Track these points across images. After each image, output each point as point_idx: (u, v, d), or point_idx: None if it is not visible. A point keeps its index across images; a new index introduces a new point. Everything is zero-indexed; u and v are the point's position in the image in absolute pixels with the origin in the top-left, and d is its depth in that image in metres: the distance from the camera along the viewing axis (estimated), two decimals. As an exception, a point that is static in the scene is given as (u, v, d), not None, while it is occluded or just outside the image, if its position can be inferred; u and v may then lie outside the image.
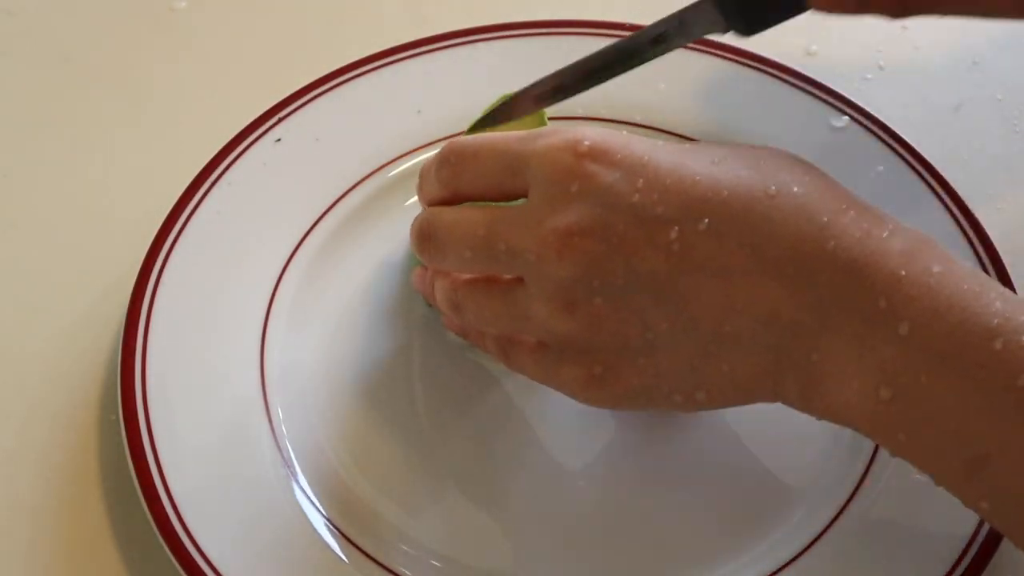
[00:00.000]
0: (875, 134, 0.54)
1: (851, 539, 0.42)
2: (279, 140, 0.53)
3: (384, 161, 0.53)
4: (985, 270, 0.48)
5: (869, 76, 0.61)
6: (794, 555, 0.42)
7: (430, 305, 0.50)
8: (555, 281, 0.37)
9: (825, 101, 0.55)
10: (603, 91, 0.55)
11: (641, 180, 0.37)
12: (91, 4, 0.64)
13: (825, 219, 0.36)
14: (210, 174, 0.51)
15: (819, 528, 0.43)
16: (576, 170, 0.37)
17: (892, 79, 0.61)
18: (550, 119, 0.53)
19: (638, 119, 0.53)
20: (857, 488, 0.44)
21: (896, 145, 0.53)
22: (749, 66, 0.56)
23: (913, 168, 0.52)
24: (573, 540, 0.43)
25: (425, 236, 0.41)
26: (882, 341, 0.35)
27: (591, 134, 0.38)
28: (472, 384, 0.47)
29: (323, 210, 0.51)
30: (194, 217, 0.49)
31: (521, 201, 0.40)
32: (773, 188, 0.37)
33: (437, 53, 0.56)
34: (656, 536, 0.43)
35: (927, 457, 0.36)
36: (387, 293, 0.50)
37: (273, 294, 0.48)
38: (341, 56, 0.56)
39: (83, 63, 0.61)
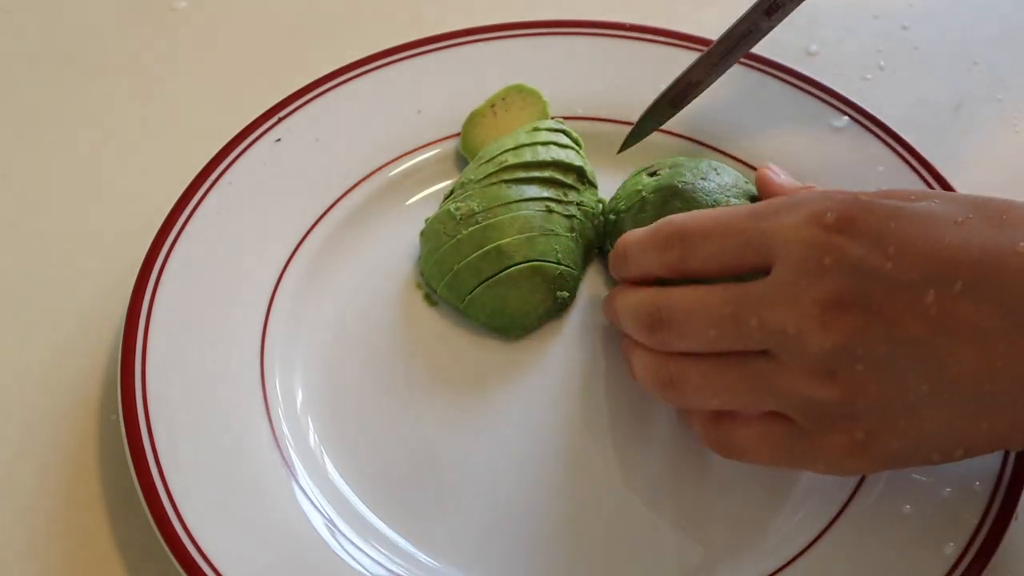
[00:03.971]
0: (875, 134, 0.54)
1: (851, 539, 0.42)
2: (279, 140, 0.53)
3: (384, 161, 0.53)
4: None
5: (869, 76, 0.61)
6: (794, 555, 0.42)
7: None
8: (816, 352, 0.37)
9: (825, 101, 0.55)
10: (604, 92, 0.56)
11: (892, 247, 0.37)
12: (91, 4, 0.64)
13: None
14: (210, 174, 0.51)
15: (819, 528, 0.43)
16: (826, 243, 0.37)
17: (892, 79, 0.61)
18: (552, 118, 0.53)
19: (638, 119, 0.53)
20: (857, 488, 0.44)
21: (896, 145, 0.53)
22: (749, 66, 0.56)
23: (913, 168, 0.52)
24: (574, 539, 0.43)
25: (659, 322, 0.41)
26: None
27: (833, 205, 0.38)
28: (476, 386, 0.47)
29: (323, 210, 0.51)
30: (194, 217, 0.49)
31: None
32: (1022, 244, 0.37)
33: (437, 53, 0.56)
34: (657, 536, 0.43)
35: None
36: (387, 293, 0.50)
37: (273, 294, 0.48)
38: (341, 56, 0.56)
39: (83, 63, 0.61)
